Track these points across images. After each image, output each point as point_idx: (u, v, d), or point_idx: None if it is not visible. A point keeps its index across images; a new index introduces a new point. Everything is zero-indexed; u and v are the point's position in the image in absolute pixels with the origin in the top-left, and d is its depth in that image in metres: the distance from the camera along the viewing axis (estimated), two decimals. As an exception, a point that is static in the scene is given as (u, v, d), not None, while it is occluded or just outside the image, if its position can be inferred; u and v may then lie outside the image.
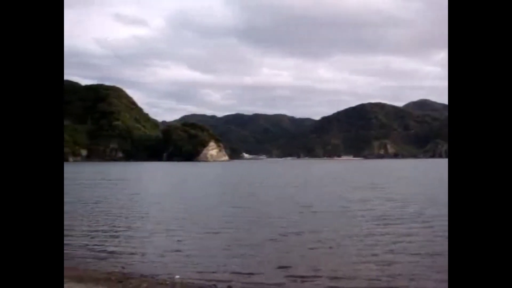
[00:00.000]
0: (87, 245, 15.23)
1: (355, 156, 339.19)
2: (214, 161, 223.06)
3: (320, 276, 11.14)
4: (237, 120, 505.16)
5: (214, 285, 10.50)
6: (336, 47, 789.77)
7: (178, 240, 15.76)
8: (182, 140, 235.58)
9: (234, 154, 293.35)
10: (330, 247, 14.38)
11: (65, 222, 20.46)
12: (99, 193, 37.45)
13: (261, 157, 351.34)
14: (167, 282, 10.62)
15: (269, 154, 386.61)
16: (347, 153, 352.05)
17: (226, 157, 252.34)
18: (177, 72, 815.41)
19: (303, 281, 10.80)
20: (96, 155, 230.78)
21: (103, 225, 19.50)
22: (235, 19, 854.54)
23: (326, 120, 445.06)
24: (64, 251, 13.84)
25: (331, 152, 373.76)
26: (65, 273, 11.25)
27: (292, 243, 15.28)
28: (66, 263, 12.38)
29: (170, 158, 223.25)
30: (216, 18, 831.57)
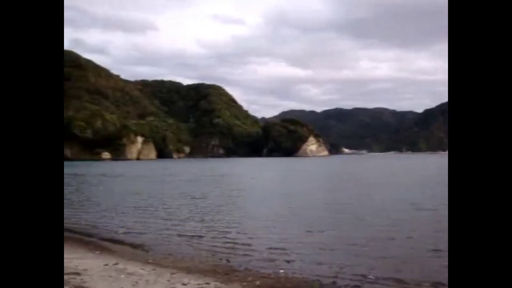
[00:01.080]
0: (193, 236, 15.45)
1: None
2: (314, 156, 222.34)
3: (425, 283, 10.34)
4: (337, 115, 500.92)
5: (318, 280, 10.17)
6: (437, 36, 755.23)
7: (283, 236, 15.54)
8: (281, 136, 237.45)
9: (333, 149, 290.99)
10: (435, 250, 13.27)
11: (174, 215, 21.39)
12: (203, 189, 38.31)
13: (361, 152, 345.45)
14: (272, 276, 10.46)
15: (370, 149, 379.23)
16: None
17: (326, 152, 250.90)
18: (276, 69, 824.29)
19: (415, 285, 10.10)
20: (198, 151, 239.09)
21: (207, 219, 19.75)
22: (333, 13, 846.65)
23: (429, 112, 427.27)
24: (171, 243, 14.46)
25: (435, 146, 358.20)
26: (174, 264, 11.63)
27: (401, 243, 14.50)
28: (175, 255, 12.81)
29: (270, 153, 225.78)
30: (314, 13, 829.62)
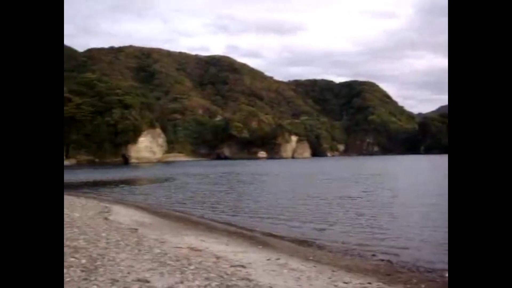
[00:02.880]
0: (353, 235, 15.26)
1: None
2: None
3: None
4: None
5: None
6: None
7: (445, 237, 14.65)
8: (440, 132, 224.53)
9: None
10: None
11: (334, 213, 21.42)
12: (360, 188, 37.80)
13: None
14: (437, 280, 9.86)
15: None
16: None
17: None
18: (432, 61, 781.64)
19: None
20: (352, 149, 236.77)
21: (365, 219, 19.40)
22: None
23: None
24: (331, 241, 14.44)
25: None
26: (334, 262, 11.55)
27: None
28: (335, 253, 12.76)
29: (428, 151, 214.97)
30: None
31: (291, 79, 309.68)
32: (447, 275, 10.24)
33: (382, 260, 11.73)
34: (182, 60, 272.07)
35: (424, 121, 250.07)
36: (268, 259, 10.63)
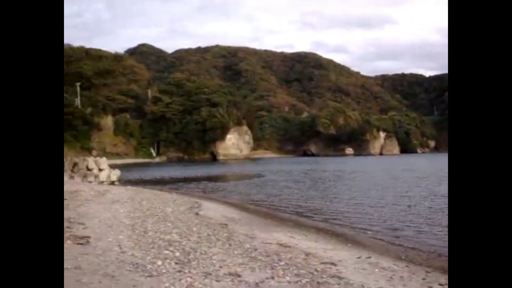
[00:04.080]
0: (443, 236, 14.67)
1: None
2: None
3: None
4: None
5: None
6: None
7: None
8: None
9: None
10: None
11: (424, 214, 20.70)
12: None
13: None
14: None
15: None
16: None
17: None
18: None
19: None
20: (445, 145, 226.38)
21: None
22: None
23: None
24: (423, 240, 13.91)
25: None
26: (428, 262, 11.11)
27: None
28: (428, 254, 12.28)
29: None
30: None
31: (378, 74, 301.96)
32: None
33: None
34: (267, 58, 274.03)
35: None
36: (358, 257, 10.46)
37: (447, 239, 13.88)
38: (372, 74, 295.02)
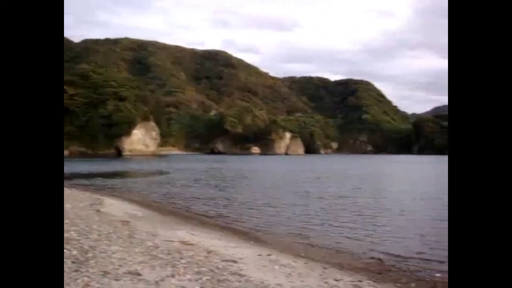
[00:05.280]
0: (344, 234, 15.32)
1: None
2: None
3: None
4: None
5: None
6: None
7: (439, 238, 14.76)
8: (434, 133, 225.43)
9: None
10: None
11: (327, 212, 21.50)
12: (350, 187, 37.94)
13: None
14: (427, 279, 9.94)
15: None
16: None
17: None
18: (428, 62, 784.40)
19: None
20: (346, 147, 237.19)
21: (358, 218, 19.53)
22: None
23: None
24: (322, 238, 14.49)
25: None
26: (326, 259, 11.57)
27: None
28: (327, 251, 12.80)
29: (421, 151, 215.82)
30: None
31: (287, 75, 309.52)
32: (437, 274, 10.32)
33: (373, 258, 11.79)
34: (178, 54, 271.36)
35: (418, 121, 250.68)
36: (259, 255, 10.65)
37: (341, 237, 14.54)
38: (281, 76, 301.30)
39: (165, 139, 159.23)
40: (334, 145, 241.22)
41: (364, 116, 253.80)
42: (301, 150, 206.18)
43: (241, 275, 8.12)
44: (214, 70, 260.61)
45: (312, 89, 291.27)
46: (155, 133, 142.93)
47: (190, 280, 7.44)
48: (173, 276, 7.58)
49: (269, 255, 10.78)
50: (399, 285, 9.27)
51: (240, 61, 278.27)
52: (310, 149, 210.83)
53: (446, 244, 13.29)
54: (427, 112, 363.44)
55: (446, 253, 12.24)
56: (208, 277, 7.66)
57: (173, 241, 11.27)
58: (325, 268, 9.99)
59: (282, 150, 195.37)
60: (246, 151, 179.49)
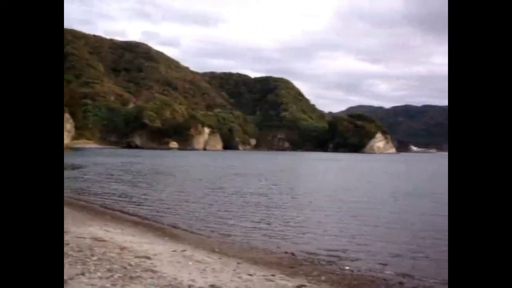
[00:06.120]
0: (258, 229, 15.57)
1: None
2: (381, 153, 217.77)
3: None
4: (406, 112, 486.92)
5: (385, 279, 9.97)
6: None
7: (350, 232, 15.39)
8: (348, 131, 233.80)
9: (401, 146, 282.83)
10: None
11: (240, 208, 21.69)
12: (264, 184, 38.49)
13: (431, 150, 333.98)
14: (337, 272, 10.35)
15: (440, 148, 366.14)
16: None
17: (394, 149, 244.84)
18: (345, 63, 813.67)
19: None
20: (264, 144, 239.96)
21: (270, 214, 19.90)
22: (407, 6, 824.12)
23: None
24: (237, 234, 14.66)
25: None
26: (240, 254, 11.72)
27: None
28: (241, 246, 12.97)
29: (336, 149, 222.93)
30: (387, 7, 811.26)
31: (207, 70, 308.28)
32: (346, 267, 10.78)
33: (286, 253, 12.09)
34: (96, 44, 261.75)
35: (334, 120, 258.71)
36: (173, 251, 10.61)
37: (255, 233, 14.78)
38: (201, 71, 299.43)
39: (80, 131, 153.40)
40: (253, 141, 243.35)
41: (282, 113, 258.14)
42: (219, 145, 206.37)
43: (154, 272, 8.05)
44: (134, 62, 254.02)
45: (232, 85, 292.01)
46: (69, 125, 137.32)
47: (100, 278, 7.27)
48: (83, 274, 7.37)
49: (183, 251, 10.76)
50: (310, 278, 9.57)
51: (161, 54, 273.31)
52: (228, 145, 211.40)
53: (358, 239, 13.91)
54: (342, 112, 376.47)
55: (356, 247, 12.82)
56: (120, 274, 7.53)
57: (84, 237, 10.95)
58: (239, 263, 10.12)
59: (201, 146, 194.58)
60: (164, 146, 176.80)
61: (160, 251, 10.31)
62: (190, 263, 9.47)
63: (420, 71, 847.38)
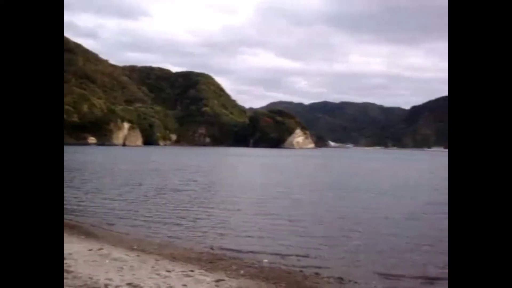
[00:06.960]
0: (176, 225, 15.52)
1: (446, 147, 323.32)
2: (300, 148, 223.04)
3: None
4: (324, 108, 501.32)
5: (302, 271, 10.27)
6: (432, 33, 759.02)
7: (266, 226, 15.69)
8: (268, 127, 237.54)
9: (320, 142, 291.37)
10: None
11: (158, 204, 21.45)
12: (186, 180, 38.35)
13: (348, 145, 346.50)
14: (255, 266, 10.54)
15: (356, 143, 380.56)
16: (439, 144, 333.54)
17: (312, 145, 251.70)
18: (266, 60, 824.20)
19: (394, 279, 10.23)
20: (185, 139, 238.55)
21: (192, 209, 19.89)
22: (327, 6, 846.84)
23: (416, 109, 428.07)
24: (155, 231, 14.50)
25: (421, 143, 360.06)
26: (159, 251, 11.65)
27: (392, 239, 14.70)
28: (160, 242, 12.83)
29: (257, 144, 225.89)
30: (307, 6, 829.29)
31: (127, 64, 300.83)
32: (264, 260, 10.99)
33: (206, 248, 12.15)
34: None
35: (255, 115, 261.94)
36: (90, 249, 10.39)
37: (174, 229, 14.73)
38: (121, 64, 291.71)
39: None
40: (173, 136, 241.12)
41: (204, 108, 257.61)
42: (139, 141, 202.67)
43: (68, 272, 7.88)
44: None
45: (153, 80, 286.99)
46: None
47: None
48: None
49: (100, 249, 10.55)
50: (229, 272, 9.70)
51: (79, 46, 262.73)
52: (148, 141, 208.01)
53: (276, 234, 14.21)
54: (263, 107, 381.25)
55: (274, 242, 13.08)
56: (32, 275, 7.27)
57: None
58: (157, 260, 10.07)
59: (120, 141, 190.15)
60: (82, 141, 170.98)
61: (75, 250, 10.05)
62: (107, 261, 9.32)
63: (338, 69, 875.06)
